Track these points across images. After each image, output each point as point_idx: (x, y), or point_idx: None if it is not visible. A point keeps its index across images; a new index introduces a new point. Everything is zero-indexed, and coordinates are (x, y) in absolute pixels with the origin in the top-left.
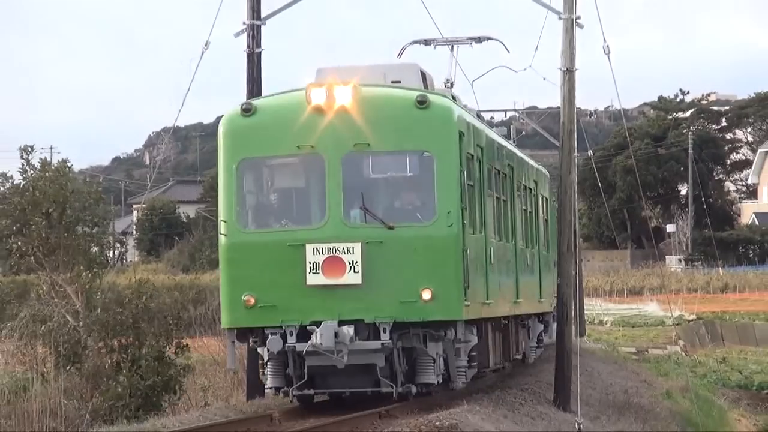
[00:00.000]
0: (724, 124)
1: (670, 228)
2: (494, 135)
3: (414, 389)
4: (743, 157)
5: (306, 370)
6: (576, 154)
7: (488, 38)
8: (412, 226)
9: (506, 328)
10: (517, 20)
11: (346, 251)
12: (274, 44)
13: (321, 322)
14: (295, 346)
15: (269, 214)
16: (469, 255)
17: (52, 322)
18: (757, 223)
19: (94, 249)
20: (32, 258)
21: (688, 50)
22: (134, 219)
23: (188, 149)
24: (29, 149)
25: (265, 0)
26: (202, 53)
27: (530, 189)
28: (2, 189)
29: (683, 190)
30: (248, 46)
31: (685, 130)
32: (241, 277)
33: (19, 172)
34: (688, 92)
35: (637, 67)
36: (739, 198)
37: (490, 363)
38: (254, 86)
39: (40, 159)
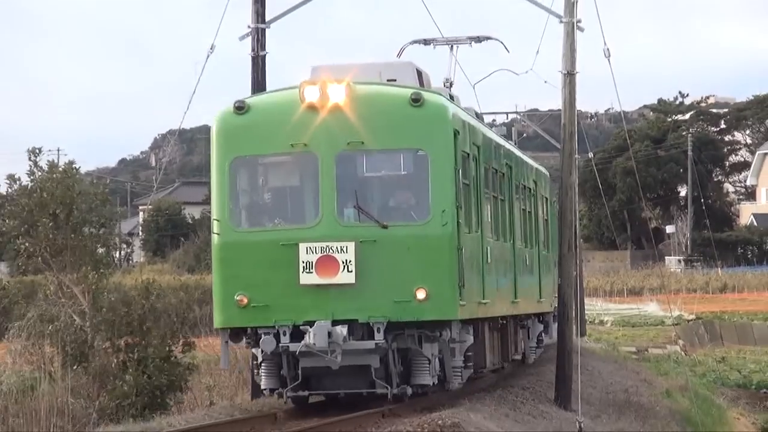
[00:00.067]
0: (723, 126)
1: (669, 229)
2: (492, 134)
3: (409, 390)
4: (742, 159)
5: (300, 371)
6: (577, 155)
7: (488, 38)
8: (406, 225)
9: (504, 329)
10: (518, 22)
11: (339, 250)
12: (278, 47)
13: (314, 322)
14: (288, 346)
15: (262, 213)
16: (465, 254)
17: (59, 322)
18: (755, 224)
19: (101, 250)
20: (39, 259)
21: (688, 53)
22: (140, 220)
23: (194, 151)
24: (37, 151)
25: (270, 4)
26: (208, 56)
27: (530, 189)
28: (10, 190)
29: (683, 191)
30: (253, 50)
31: (684, 133)
32: (233, 276)
33: (27, 174)
34: (687, 95)
35: (637, 70)
36: (738, 199)
37: (487, 363)
38: (259, 89)
39: (48, 161)
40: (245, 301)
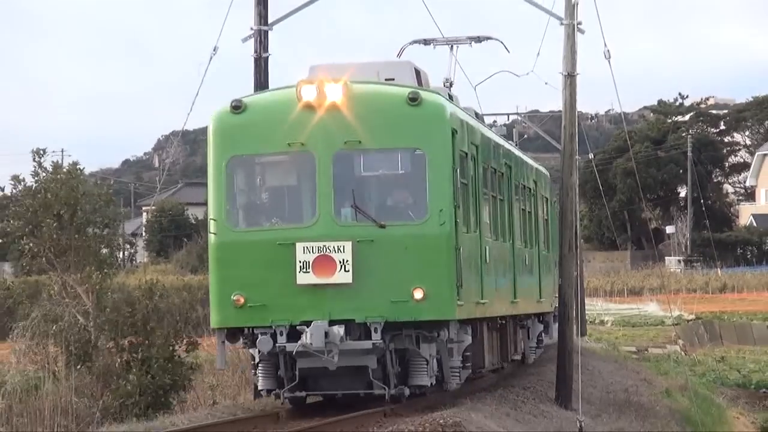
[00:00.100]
0: (722, 127)
1: (669, 229)
2: (491, 134)
3: (407, 391)
4: (741, 160)
5: (297, 372)
6: (577, 156)
7: (488, 38)
8: (403, 224)
9: (503, 329)
10: (519, 24)
11: (336, 250)
12: (280, 49)
13: (311, 322)
14: (285, 347)
15: (259, 213)
16: (463, 254)
17: (63, 321)
18: (755, 224)
19: (105, 250)
20: (44, 259)
21: (688, 55)
22: (144, 221)
23: (197, 152)
24: (41, 152)
25: (273, 5)
26: (211, 58)
27: (530, 189)
28: (15, 191)
29: (682, 192)
30: (255, 51)
31: (684, 134)
32: (230, 276)
33: (31, 174)
34: (687, 96)
35: (638, 72)
36: (738, 200)
37: (486, 363)
38: (261, 90)
39: (52, 162)
40: (242, 301)
